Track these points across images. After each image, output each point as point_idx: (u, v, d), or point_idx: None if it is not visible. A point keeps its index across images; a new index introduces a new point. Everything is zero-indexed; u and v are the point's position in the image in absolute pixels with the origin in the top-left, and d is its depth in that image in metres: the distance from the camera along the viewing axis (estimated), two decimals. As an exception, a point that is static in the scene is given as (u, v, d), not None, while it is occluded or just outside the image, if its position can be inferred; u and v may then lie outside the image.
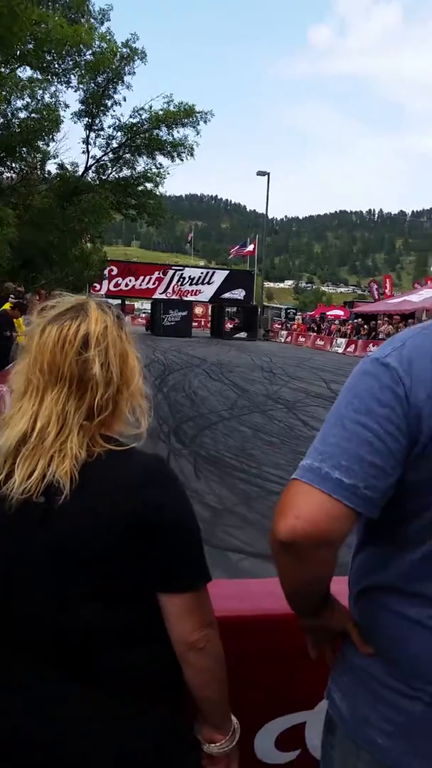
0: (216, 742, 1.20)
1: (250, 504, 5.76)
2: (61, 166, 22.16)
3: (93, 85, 21.20)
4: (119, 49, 20.36)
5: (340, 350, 30.56)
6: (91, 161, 22.78)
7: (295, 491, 0.98)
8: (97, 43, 19.77)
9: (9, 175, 20.94)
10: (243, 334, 38.91)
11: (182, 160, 22.97)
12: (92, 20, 20.86)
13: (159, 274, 39.51)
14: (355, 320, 32.99)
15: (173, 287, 39.27)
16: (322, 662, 1.22)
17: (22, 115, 18.20)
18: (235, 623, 1.46)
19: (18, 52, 14.73)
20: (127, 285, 38.49)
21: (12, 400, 1.16)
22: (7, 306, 10.81)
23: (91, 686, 1.09)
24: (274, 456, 7.66)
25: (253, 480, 6.56)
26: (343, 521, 0.95)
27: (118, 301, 40.48)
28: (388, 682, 1.04)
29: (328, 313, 42.25)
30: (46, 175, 22.25)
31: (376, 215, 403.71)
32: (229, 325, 40.95)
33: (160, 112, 21.99)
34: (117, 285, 38.18)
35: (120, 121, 22.52)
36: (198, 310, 47.19)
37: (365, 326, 31.01)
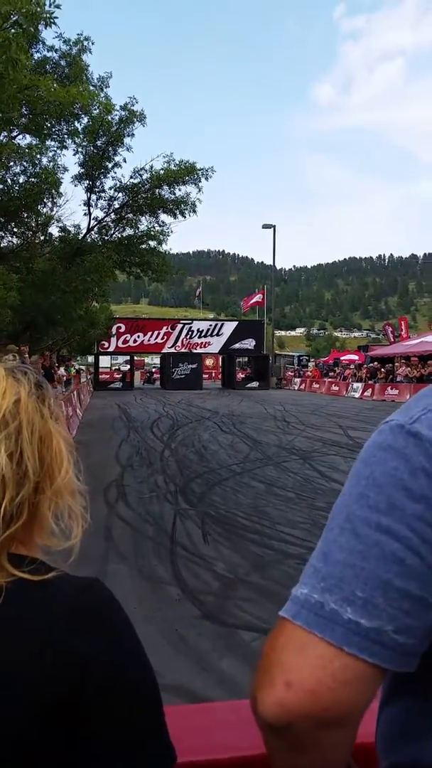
0: None
1: (265, 571, 5.21)
2: (62, 229, 22.48)
3: (92, 149, 21.61)
4: (116, 111, 20.80)
5: (357, 395, 30.31)
6: (93, 222, 23.09)
7: (285, 642, 0.63)
8: (96, 108, 20.23)
9: (11, 239, 21.22)
10: (255, 384, 38.82)
11: (185, 217, 23.15)
12: (91, 88, 21.41)
13: (167, 328, 39.85)
14: (371, 364, 32.59)
15: (182, 340, 39.49)
16: None
17: (21, 179, 18.51)
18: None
19: (14, 121, 14.93)
20: (135, 341, 38.77)
21: None
22: None
23: None
24: (290, 512, 7.11)
25: (268, 542, 6.02)
26: (362, 686, 0.60)
27: (127, 357, 40.85)
28: None
29: (342, 357, 41.87)
30: (48, 238, 22.54)
31: (387, 260, 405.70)
32: (240, 375, 41.00)
33: (161, 172, 22.32)
34: (125, 341, 38.56)
35: (121, 182, 22.90)
36: (208, 361, 47.39)
37: (382, 369, 30.70)
